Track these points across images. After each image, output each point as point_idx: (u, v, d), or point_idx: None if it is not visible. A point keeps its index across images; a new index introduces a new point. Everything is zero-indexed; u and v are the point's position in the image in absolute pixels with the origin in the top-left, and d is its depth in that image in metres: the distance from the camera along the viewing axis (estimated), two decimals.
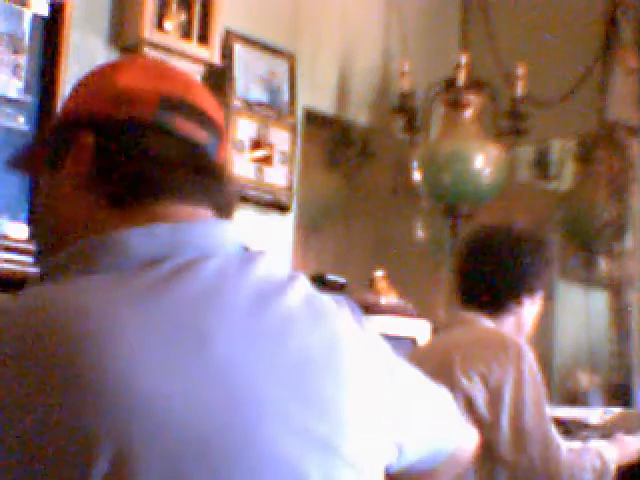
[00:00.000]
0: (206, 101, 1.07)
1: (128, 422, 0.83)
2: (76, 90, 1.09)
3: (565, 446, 2.13)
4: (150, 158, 0.99)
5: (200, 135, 1.03)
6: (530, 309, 2.30)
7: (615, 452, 2.24)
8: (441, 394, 1.20)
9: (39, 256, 1.09)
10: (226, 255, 0.97)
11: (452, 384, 2.03)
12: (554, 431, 2.12)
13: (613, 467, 2.19)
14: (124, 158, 1.00)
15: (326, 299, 1.03)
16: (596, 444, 2.26)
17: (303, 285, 1.00)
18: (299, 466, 0.90)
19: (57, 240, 1.03)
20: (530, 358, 2.12)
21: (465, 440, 1.24)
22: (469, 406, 2.08)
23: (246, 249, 1.01)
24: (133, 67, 1.06)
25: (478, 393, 2.10)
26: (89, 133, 1.02)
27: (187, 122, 1.02)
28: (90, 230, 0.98)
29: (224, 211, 1.04)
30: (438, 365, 2.10)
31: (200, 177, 1.02)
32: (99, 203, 1.00)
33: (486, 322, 2.26)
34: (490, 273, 2.28)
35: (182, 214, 0.99)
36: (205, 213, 1.01)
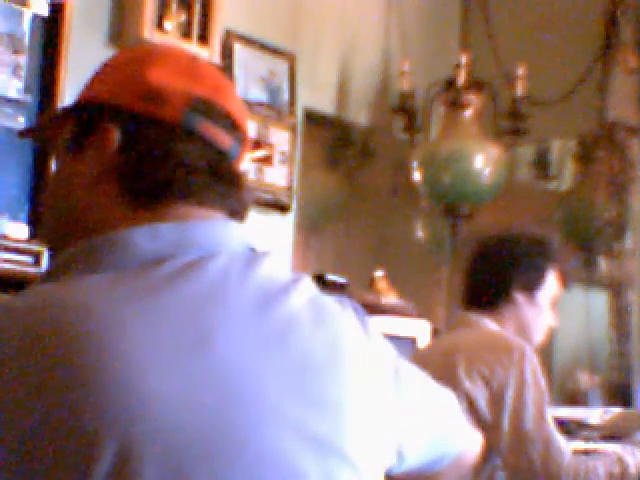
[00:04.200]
0: (234, 104, 1.05)
1: (128, 422, 0.83)
2: (105, 71, 1.07)
3: (569, 449, 2.12)
4: (173, 161, 0.98)
5: (224, 140, 1.02)
6: (531, 310, 2.29)
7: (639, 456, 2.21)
8: (446, 397, 1.19)
9: (47, 241, 1.08)
10: (231, 255, 0.96)
11: (455, 385, 2.03)
12: (557, 434, 2.11)
13: (634, 472, 2.17)
14: (147, 159, 0.98)
15: (330, 301, 1.02)
16: (619, 449, 2.24)
17: (307, 287, 1.00)
18: (298, 466, 0.90)
19: (65, 228, 1.03)
20: (534, 361, 2.12)
21: (469, 444, 1.23)
22: (471, 408, 2.07)
23: (252, 250, 1.01)
24: (166, 60, 1.04)
25: (480, 395, 2.10)
26: (114, 126, 1.00)
27: (213, 126, 1.01)
28: (101, 225, 0.98)
29: (238, 215, 1.03)
30: (441, 366, 2.10)
31: (219, 183, 1.01)
32: (115, 199, 0.99)
33: (490, 324, 2.25)
34: (495, 277, 2.28)
35: (193, 216, 0.99)
36: (214, 215, 1.00)
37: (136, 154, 0.99)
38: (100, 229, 0.97)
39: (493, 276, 2.29)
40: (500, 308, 2.27)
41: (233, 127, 1.04)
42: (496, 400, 2.09)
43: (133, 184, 0.99)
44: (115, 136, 1.00)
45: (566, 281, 2.35)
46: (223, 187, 1.01)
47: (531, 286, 2.28)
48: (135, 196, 0.98)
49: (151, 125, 0.99)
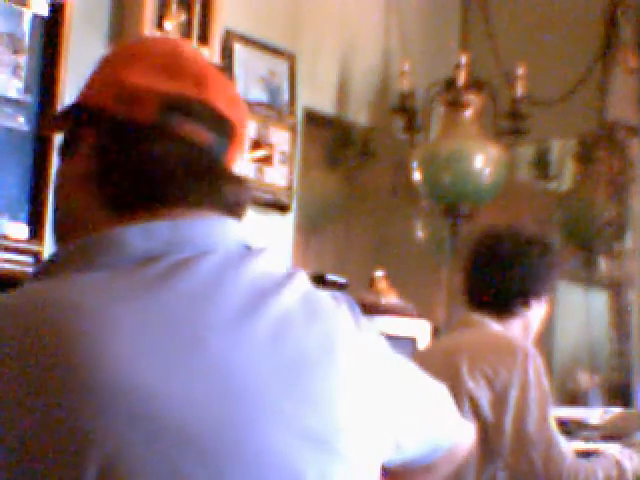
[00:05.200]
0: (220, 97, 1.03)
1: (126, 421, 0.83)
2: (95, 71, 1.07)
3: (570, 451, 2.12)
4: (148, 161, 0.98)
5: (203, 137, 1.01)
6: (537, 312, 2.30)
7: (637, 460, 2.22)
8: (438, 389, 1.19)
9: (54, 239, 1.08)
10: (225, 252, 0.96)
11: (457, 385, 2.03)
12: (559, 436, 2.11)
13: (630, 476, 2.17)
14: (122, 159, 0.98)
15: (324, 296, 1.02)
16: (616, 451, 2.24)
17: (301, 282, 1.00)
18: (295, 463, 0.90)
19: (65, 228, 1.03)
20: (538, 363, 2.12)
21: (462, 435, 1.24)
22: (474, 408, 2.07)
23: (248, 247, 1.01)
24: (145, 58, 1.03)
25: (483, 395, 2.10)
26: (92, 129, 1.01)
27: (190, 124, 1.00)
28: (88, 229, 0.98)
29: (233, 211, 1.02)
30: (444, 366, 2.09)
31: (201, 179, 0.99)
32: (98, 203, 0.99)
33: (494, 325, 2.25)
34: (498, 277, 2.27)
35: (183, 214, 0.98)
36: (209, 213, 1.00)
37: (110, 156, 0.99)
38: (91, 230, 0.97)
39: (511, 285, 2.26)
40: (512, 313, 2.27)
41: (216, 121, 1.02)
42: (499, 401, 2.09)
43: (112, 186, 0.98)
44: (91, 140, 1.00)
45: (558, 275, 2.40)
46: (205, 182, 1.00)
47: (545, 293, 2.30)
48: (116, 198, 0.98)
49: (123, 127, 0.99)
